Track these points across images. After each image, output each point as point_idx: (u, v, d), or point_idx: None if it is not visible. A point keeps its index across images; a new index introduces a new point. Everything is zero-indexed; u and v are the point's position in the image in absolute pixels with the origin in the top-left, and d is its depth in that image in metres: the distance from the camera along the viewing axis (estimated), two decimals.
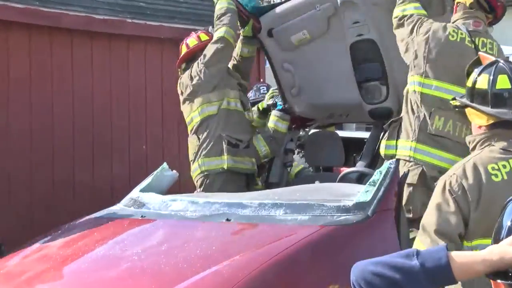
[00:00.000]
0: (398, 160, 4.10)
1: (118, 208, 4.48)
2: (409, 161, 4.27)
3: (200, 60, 5.31)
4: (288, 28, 5.57)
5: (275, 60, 5.78)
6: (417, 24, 4.39)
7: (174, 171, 4.90)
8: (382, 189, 3.81)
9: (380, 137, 4.80)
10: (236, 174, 5.15)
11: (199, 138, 5.23)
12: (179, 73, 5.59)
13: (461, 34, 4.29)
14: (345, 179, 5.26)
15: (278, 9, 5.63)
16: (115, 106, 8.26)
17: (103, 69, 8.18)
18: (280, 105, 5.83)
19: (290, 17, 5.54)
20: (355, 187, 4.26)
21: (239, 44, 5.66)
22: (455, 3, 4.49)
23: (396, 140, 4.41)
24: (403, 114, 4.41)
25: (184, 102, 5.37)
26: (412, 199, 4.17)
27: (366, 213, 3.68)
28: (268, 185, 5.69)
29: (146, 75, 8.55)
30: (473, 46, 4.26)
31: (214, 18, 5.46)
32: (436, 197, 2.92)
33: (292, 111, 5.82)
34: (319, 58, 5.57)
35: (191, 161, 5.29)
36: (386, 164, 4.00)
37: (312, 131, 6.43)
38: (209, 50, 5.30)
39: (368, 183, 3.89)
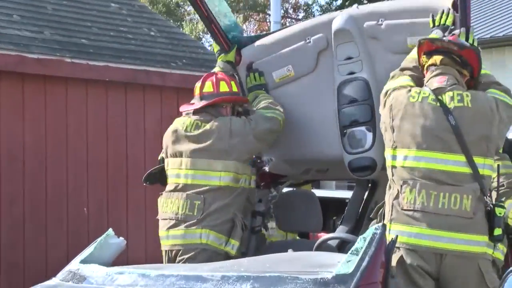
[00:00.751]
0: (384, 225, 4.15)
1: (53, 283, 4.45)
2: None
3: (249, 124, 5.37)
4: (271, 62, 5.66)
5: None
6: (386, 95, 4.62)
7: (121, 238, 4.90)
8: (367, 258, 3.83)
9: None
10: (220, 256, 5.25)
11: (205, 203, 5.27)
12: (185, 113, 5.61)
13: (424, 93, 4.45)
14: (323, 247, 5.29)
15: (262, 40, 5.76)
16: (51, 159, 8.26)
17: (36, 116, 8.20)
18: None
19: (275, 49, 5.64)
20: (335, 257, 4.27)
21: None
22: (425, 67, 4.66)
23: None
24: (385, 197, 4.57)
25: (192, 152, 5.36)
26: None
27: (348, 287, 3.70)
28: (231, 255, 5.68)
29: (88, 123, 8.58)
30: (438, 104, 4.39)
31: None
32: None
33: (260, 164, 5.86)
34: (300, 101, 5.62)
35: (182, 221, 5.28)
36: (371, 229, 4.03)
37: (285, 190, 6.46)
38: (261, 121, 5.40)
39: (350, 251, 3.92)
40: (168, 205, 5.36)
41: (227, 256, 5.24)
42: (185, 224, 5.24)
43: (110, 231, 4.89)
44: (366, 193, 6.65)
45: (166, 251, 5.33)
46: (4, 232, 7.94)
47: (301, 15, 37.55)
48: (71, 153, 8.39)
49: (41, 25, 8.84)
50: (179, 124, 5.47)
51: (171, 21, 29.72)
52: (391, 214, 4.40)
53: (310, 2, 36.51)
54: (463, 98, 4.40)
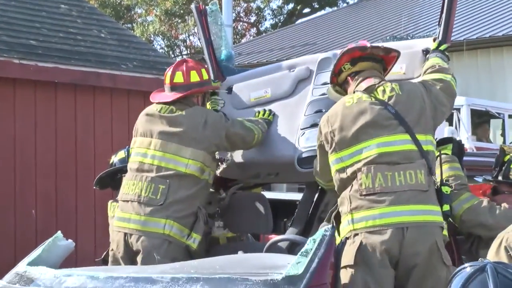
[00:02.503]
0: (334, 227, 4.19)
1: (0, 285, 4.40)
2: (352, 237, 4.43)
3: (225, 121, 5.46)
4: (251, 85, 5.95)
5: (220, 112, 6.00)
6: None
7: (70, 240, 4.86)
8: (316, 260, 3.86)
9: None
10: (181, 248, 5.22)
11: (169, 189, 5.23)
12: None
13: (357, 96, 4.70)
14: (273, 248, 5.31)
15: (250, 72, 6.12)
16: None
17: None
18: None
19: (258, 76, 5.97)
20: (285, 258, 4.30)
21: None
22: (347, 78, 4.89)
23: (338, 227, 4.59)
24: (339, 201, 4.66)
25: (163, 134, 5.36)
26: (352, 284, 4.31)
27: None
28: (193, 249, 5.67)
29: (37, 124, 8.50)
30: (373, 99, 4.64)
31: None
32: (491, 254, 3.17)
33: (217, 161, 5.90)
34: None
35: (144, 204, 5.22)
36: (321, 231, 4.07)
37: (234, 192, 6.46)
38: (238, 125, 5.51)
39: (300, 253, 3.94)
40: (130, 186, 5.30)
41: (187, 250, 5.23)
42: (150, 209, 5.19)
43: (59, 233, 4.85)
44: (316, 195, 6.69)
45: (124, 233, 5.23)
46: None
47: (252, 18, 37.64)
48: (19, 155, 8.29)
49: None
50: (153, 107, 5.50)
51: (122, 23, 29.58)
52: (351, 205, 4.49)
53: (262, 6, 36.59)
54: (393, 88, 4.68)
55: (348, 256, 4.37)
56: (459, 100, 15.05)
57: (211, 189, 5.94)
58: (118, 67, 9.36)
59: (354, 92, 4.77)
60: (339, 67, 4.88)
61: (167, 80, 5.54)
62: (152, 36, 34.97)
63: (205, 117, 5.39)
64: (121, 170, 5.88)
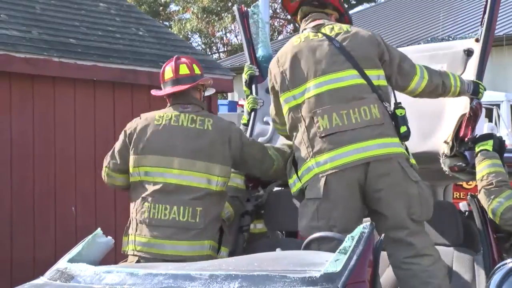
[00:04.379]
0: (372, 224, 4.18)
1: (41, 282, 4.45)
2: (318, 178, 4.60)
3: (245, 137, 5.26)
4: None
5: (259, 111, 6.08)
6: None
7: (110, 237, 4.90)
8: (355, 257, 3.85)
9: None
10: None
11: (206, 210, 5.03)
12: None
13: (304, 34, 4.86)
14: (311, 246, 5.31)
15: None
16: (38, 158, 8.25)
17: (23, 115, 8.19)
18: None
19: None
20: (323, 256, 4.29)
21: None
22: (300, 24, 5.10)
23: (296, 172, 4.79)
24: (293, 143, 4.82)
25: (189, 151, 5.04)
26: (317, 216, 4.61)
27: (336, 286, 3.72)
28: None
29: (76, 122, 8.58)
30: (321, 36, 4.78)
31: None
32: None
33: None
34: None
35: (183, 229, 4.99)
36: (359, 228, 4.06)
37: (273, 189, 6.48)
38: (256, 149, 5.28)
39: (338, 250, 3.94)
40: (161, 210, 5.00)
41: None
42: (192, 234, 4.98)
43: (99, 230, 4.89)
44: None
45: (164, 260, 4.91)
46: None
47: (289, 15, 37.61)
48: (59, 152, 8.38)
49: (29, 25, 8.83)
50: (162, 118, 5.14)
51: (159, 20, 29.71)
52: (312, 149, 4.62)
53: None
54: (342, 27, 4.84)
55: (315, 191, 4.61)
56: (498, 96, 14.93)
57: (250, 185, 5.97)
58: (156, 64, 9.41)
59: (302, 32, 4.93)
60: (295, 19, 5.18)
61: (170, 74, 5.24)
62: (189, 33, 35.12)
63: (230, 131, 5.13)
64: None
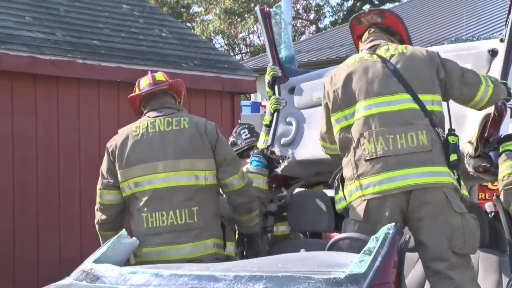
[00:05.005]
0: (396, 225, 4.16)
1: (67, 282, 4.47)
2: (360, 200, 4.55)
3: (218, 132, 5.25)
4: (313, 85, 6.00)
5: (282, 112, 6.07)
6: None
7: (134, 238, 4.92)
8: (379, 258, 3.84)
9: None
10: (220, 260, 5.09)
11: (200, 207, 5.06)
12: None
13: (359, 55, 4.81)
14: (335, 247, 5.29)
15: (312, 73, 6.20)
16: (63, 159, 8.29)
17: (48, 116, 8.24)
18: (256, 161, 5.90)
19: (320, 77, 5.97)
20: (348, 257, 4.28)
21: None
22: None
23: (343, 190, 4.74)
24: (343, 163, 4.74)
25: (173, 153, 5.09)
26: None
27: (361, 287, 3.71)
28: (244, 255, 5.70)
29: (100, 124, 8.61)
30: (375, 57, 4.71)
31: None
32: None
33: (276, 157, 5.92)
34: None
35: (184, 232, 5.01)
36: (384, 229, 4.05)
37: (297, 190, 6.48)
38: (229, 147, 5.43)
39: (362, 251, 3.93)
40: (158, 218, 5.00)
41: (227, 259, 5.11)
42: (192, 235, 5.00)
43: (123, 231, 4.91)
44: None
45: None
46: (17, 232, 7.97)
47: (312, 16, 37.57)
48: (83, 153, 8.42)
49: (53, 27, 8.88)
50: (138, 128, 5.17)
51: (181, 22, 29.78)
52: (357, 171, 4.56)
53: (321, 3, 36.51)
54: (398, 48, 4.74)
55: (356, 213, 4.56)
56: None
57: (273, 186, 5.98)
58: (179, 66, 9.44)
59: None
60: (356, 43, 5.10)
61: (147, 81, 5.34)
62: (212, 34, 35.18)
63: (205, 124, 5.20)
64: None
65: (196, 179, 5.07)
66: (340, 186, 4.77)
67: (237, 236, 5.60)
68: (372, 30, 4.98)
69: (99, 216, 5.26)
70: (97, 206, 5.29)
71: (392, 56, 4.67)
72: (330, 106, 4.79)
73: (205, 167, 5.10)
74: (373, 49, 4.78)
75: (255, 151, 6.00)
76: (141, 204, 5.05)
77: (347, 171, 4.65)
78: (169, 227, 5.01)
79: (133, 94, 5.42)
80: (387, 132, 4.50)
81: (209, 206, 5.12)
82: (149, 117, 5.22)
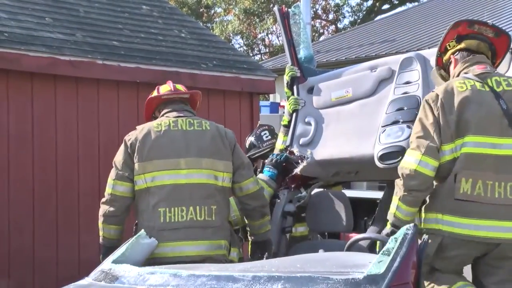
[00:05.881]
0: (415, 225, 4.14)
1: (86, 283, 4.49)
2: (436, 235, 4.34)
3: (235, 139, 5.34)
4: (332, 85, 5.97)
5: (300, 112, 6.04)
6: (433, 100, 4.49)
7: (153, 238, 4.93)
8: (398, 259, 3.83)
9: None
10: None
11: (219, 206, 5.11)
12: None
13: (469, 82, 4.41)
14: (354, 247, 5.28)
15: (330, 73, 6.14)
16: (83, 161, 8.32)
17: (68, 117, 8.27)
18: (269, 171, 5.91)
19: (339, 77, 5.99)
20: (366, 257, 4.28)
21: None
22: (451, 57, 4.66)
23: (419, 212, 4.47)
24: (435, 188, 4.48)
25: (195, 150, 5.13)
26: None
27: None
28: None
29: (119, 124, 8.63)
30: (487, 89, 4.38)
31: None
32: None
33: (295, 159, 5.92)
34: (348, 117, 5.81)
35: (201, 228, 5.03)
36: (403, 229, 4.03)
37: (315, 190, 6.47)
38: (243, 154, 5.44)
39: (381, 252, 3.91)
40: (177, 213, 5.01)
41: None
42: (209, 232, 5.01)
43: (142, 231, 4.92)
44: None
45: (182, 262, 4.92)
46: (37, 232, 8.01)
47: (331, 16, 37.52)
48: (103, 153, 8.45)
49: (73, 28, 8.91)
50: (160, 123, 5.21)
51: (200, 22, 29.84)
52: (443, 204, 4.33)
53: (340, 3, 36.45)
54: (510, 82, 4.42)
55: (429, 244, 4.31)
56: None
57: (292, 186, 5.98)
58: (198, 66, 9.45)
59: (460, 75, 4.51)
60: (444, 44, 4.63)
61: (168, 88, 5.42)
62: (231, 35, 35.21)
63: (225, 129, 5.29)
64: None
65: (215, 179, 5.11)
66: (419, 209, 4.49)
67: (250, 247, 5.60)
68: (482, 45, 4.59)
69: (106, 208, 5.23)
70: (105, 199, 5.27)
71: (505, 92, 4.38)
72: (441, 132, 4.40)
73: (224, 169, 5.14)
74: (482, 77, 4.44)
75: (272, 159, 5.99)
76: (157, 199, 5.03)
77: (436, 199, 4.39)
78: (188, 222, 5.00)
79: (154, 95, 5.44)
80: (488, 177, 4.27)
81: (225, 207, 5.15)
82: (168, 117, 5.24)
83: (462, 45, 4.59)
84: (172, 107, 5.32)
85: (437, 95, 4.41)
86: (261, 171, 6.07)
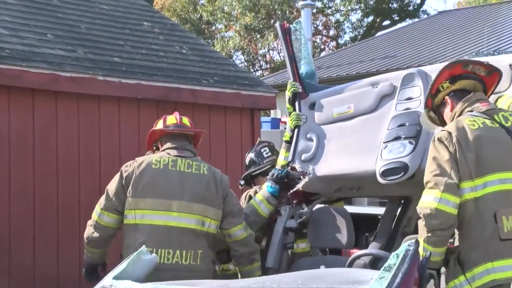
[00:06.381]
0: (417, 241, 4.13)
1: None
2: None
3: (229, 186, 5.44)
4: (333, 101, 5.98)
5: (302, 127, 6.04)
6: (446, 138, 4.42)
7: (154, 254, 4.92)
8: (400, 275, 3.82)
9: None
10: None
11: (204, 251, 5.23)
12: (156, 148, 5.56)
13: (478, 119, 4.38)
14: (356, 263, 5.27)
15: (332, 89, 6.13)
16: (84, 175, 8.31)
17: (69, 133, 8.27)
18: (271, 187, 5.90)
19: (341, 92, 5.99)
20: (368, 273, 4.26)
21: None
22: (445, 98, 4.61)
23: (464, 273, 4.27)
24: (458, 241, 4.36)
25: (189, 194, 5.24)
26: None
27: None
28: (264, 271, 5.70)
29: (120, 141, 8.63)
30: (497, 125, 4.37)
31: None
32: None
33: (297, 175, 5.91)
34: (349, 133, 5.80)
35: (186, 271, 5.12)
36: (404, 245, 4.03)
37: (317, 206, 6.46)
38: (235, 200, 5.55)
39: (383, 268, 3.90)
40: (164, 255, 5.10)
41: None
42: (193, 277, 5.01)
43: (143, 248, 4.92)
44: (399, 209, 6.63)
45: None
46: (38, 247, 7.99)
47: (331, 32, 37.60)
48: (104, 169, 8.44)
49: (74, 44, 8.93)
50: (159, 162, 5.27)
51: (202, 38, 29.91)
52: (489, 252, 4.17)
53: (341, 20, 36.54)
54: None
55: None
56: None
57: (294, 202, 5.97)
58: (199, 82, 9.46)
59: (463, 113, 4.46)
60: (437, 85, 4.58)
61: (174, 121, 5.50)
62: (232, 51, 35.28)
63: (221, 175, 5.41)
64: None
65: (202, 225, 5.23)
66: (459, 268, 4.29)
67: None
68: (478, 85, 4.56)
69: (90, 232, 5.35)
70: (91, 222, 5.36)
71: None
72: (458, 168, 4.31)
73: (212, 216, 5.28)
74: (489, 114, 4.42)
75: (273, 176, 5.99)
76: (145, 238, 5.11)
77: (473, 251, 4.21)
78: (174, 265, 5.10)
79: (159, 128, 5.47)
80: None
81: (210, 252, 5.26)
82: (169, 154, 5.33)
83: (457, 85, 4.56)
84: (175, 143, 5.41)
85: (450, 133, 4.36)
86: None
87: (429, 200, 4.27)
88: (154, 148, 5.56)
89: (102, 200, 5.32)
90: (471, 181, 4.28)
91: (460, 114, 4.49)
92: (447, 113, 4.60)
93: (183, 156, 5.32)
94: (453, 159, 4.30)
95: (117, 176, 5.33)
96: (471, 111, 4.46)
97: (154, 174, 5.21)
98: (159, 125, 5.52)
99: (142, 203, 5.17)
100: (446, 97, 4.59)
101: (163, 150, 5.39)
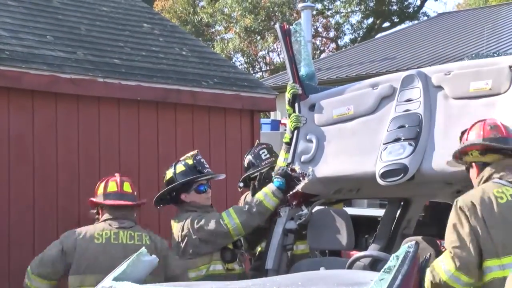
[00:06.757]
0: (417, 243, 4.14)
1: None
2: None
3: (168, 250, 5.64)
4: (333, 102, 6.00)
5: (302, 129, 6.06)
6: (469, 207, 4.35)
7: (154, 256, 4.92)
8: (400, 277, 3.82)
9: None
10: None
11: None
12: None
13: (507, 190, 4.34)
14: (355, 265, 5.27)
15: (332, 90, 6.16)
16: (83, 177, 8.30)
17: (69, 135, 8.26)
18: (278, 181, 5.90)
19: (340, 94, 6.00)
20: (368, 275, 4.27)
21: None
22: (472, 164, 4.62)
23: None
24: None
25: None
26: None
27: None
28: (264, 272, 5.70)
29: (120, 142, 8.63)
30: None
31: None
32: None
33: (296, 176, 5.91)
34: (349, 134, 5.79)
35: None
36: (404, 247, 4.03)
37: (317, 208, 6.46)
38: (178, 263, 5.68)
39: (383, 269, 3.90)
40: None
41: None
42: None
43: (143, 249, 4.92)
44: (398, 211, 6.63)
45: None
46: (37, 246, 7.98)
47: (331, 34, 37.61)
48: (103, 171, 8.43)
49: (74, 46, 8.93)
50: (101, 236, 5.47)
51: (202, 40, 29.91)
52: None
53: (341, 21, 36.55)
54: None
55: None
56: None
57: (293, 203, 5.97)
58: (199, 84, 9.45)
59: (490, 179, 4.44)
60: (469, 150, 4.59)
61: (114, 188, 5.69)
62: (231, 53, 35.29)
63: (162, 242, 5.63)
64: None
65: None
66: None
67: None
68: (507, 161, 4.52)
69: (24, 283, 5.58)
70: (25, 282, 5.55)
71: None
72: (479, 245, 4.27)
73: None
74: None
75: (278, 171, 6.00)
76: None
77: None
78: None
79: (98, 200, 5.68)
80: None
81: None
82: (110, 225, 5.51)
83: (486, 159, 4.57)
84: (115, 213, 5.57)
85: (474, 204, 4.31)
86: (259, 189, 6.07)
87: (443, 269, 4.30)
88: (95, 211, 5.77)
89: (35, 263, 5.50)
90: (498, 259, 4.23)
91: (487, 180, 4.46)
92: (473, 176, 4.60)
93: (124, 227, 5.51)
94: (474, 233, 4.26)
95: (57, 244, 5.50)
96: (501, 178, 4.44)
97: (98, 250, 5.40)
98: (100, 190, 5.63)
99: (86, 280, 5.34)
100: (474, 163, 4.62)
101: (104, 220, 5.55)
